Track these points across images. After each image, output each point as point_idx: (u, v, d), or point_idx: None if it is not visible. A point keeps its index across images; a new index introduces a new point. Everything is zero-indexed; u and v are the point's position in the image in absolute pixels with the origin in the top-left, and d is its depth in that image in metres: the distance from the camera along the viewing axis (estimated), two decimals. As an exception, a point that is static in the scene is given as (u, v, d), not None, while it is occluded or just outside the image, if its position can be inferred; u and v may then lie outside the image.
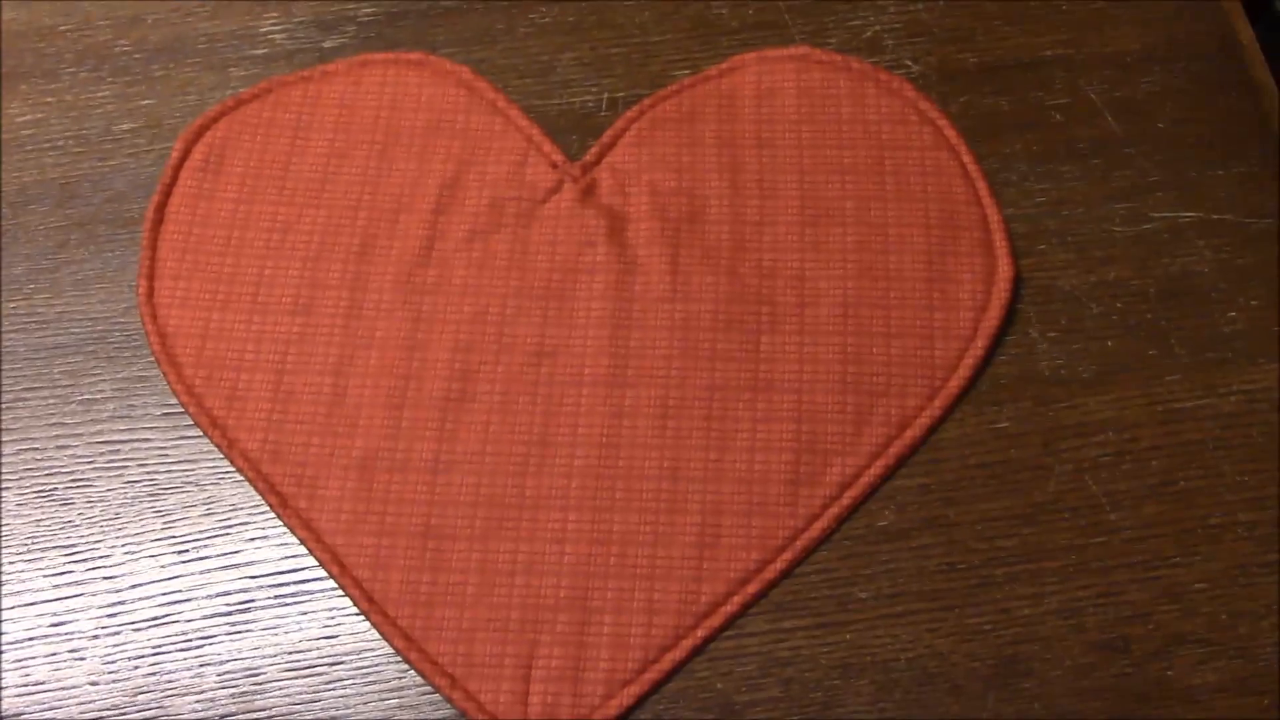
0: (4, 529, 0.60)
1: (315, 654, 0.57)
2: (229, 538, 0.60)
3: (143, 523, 0.60)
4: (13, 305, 0.66)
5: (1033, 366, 0.62)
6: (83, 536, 0.60)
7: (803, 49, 0.71)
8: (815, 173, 0.67)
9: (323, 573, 0.59)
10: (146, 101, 0.72)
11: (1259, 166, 0.67)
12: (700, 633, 0.57)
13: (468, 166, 0.68)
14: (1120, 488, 0.59)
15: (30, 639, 0.57)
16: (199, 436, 0.62)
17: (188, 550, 0.59)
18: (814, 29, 0.73)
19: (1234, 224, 0.65)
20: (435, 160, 0.69)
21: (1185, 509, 0.58)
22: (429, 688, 0.56)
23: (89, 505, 0.60)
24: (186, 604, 0.58)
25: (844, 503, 0.59)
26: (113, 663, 0.57)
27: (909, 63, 0.71)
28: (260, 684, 0.56)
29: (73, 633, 0.58)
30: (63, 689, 0.56)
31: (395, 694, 0.56)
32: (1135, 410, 0.61)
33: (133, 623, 0.58)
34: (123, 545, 0.59)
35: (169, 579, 0.59)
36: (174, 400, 0.63)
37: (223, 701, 0.56)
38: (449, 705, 0.56)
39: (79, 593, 0.58)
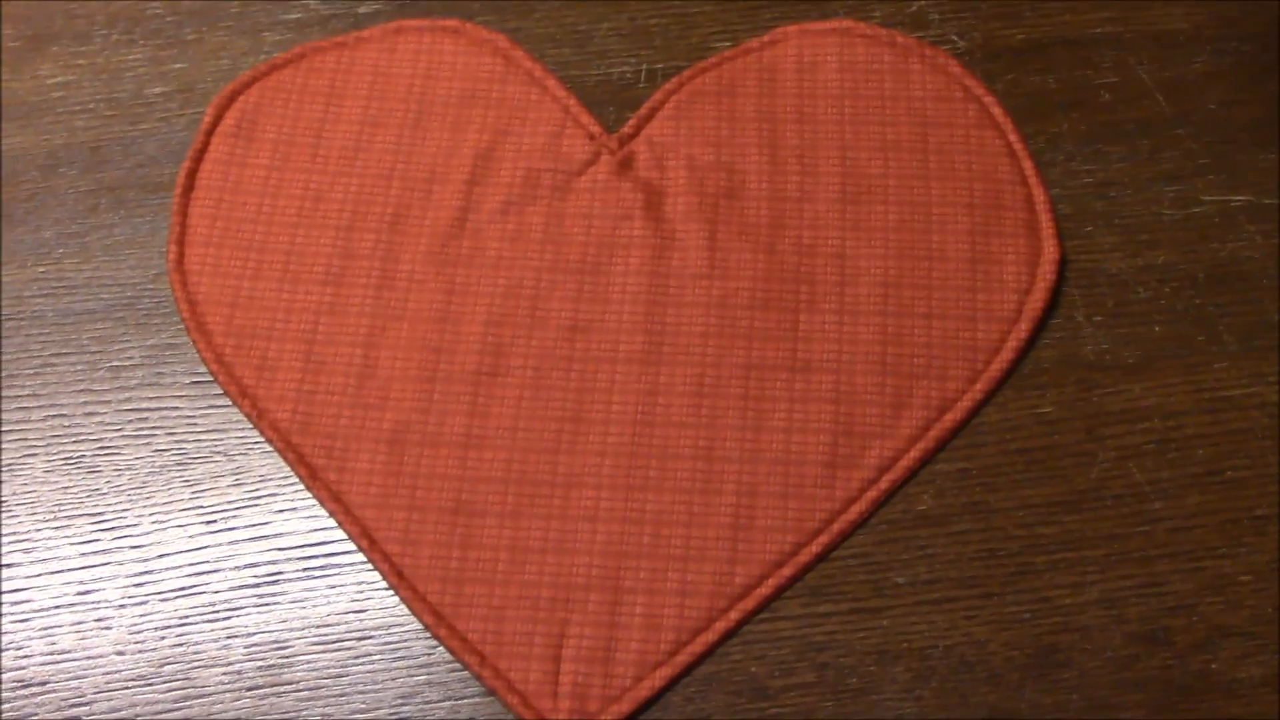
0: (32, 496, 0.59)
1: (343, 628, 0.56)
2: (258, 509, 0.59)
3: (170, 492, 0.59)
4: (41, 270, 0.65)
5: (1077, 351, 0.61)
6: (110, 505, 0.59)
7: (846, 22, 0.70)
8: (857, 149, 0.66)
9: (352, 546, 0.58)
10: (178, 65, 0.71)
11: (1312, 150, 0.65)
12: (734, 615, 0.56)
13: (503, 137, 0.67)
14: (1164, 476, 0.58)
15: (57, 607, 0.57)
16: (228, 406, 0.61)
17: (215, 521, 0.59)
18: (857, 2, 0.72)
19: (1286, 209, 0.64)
20: (470, 130, 0.67)
21: (1230, 499, 0.57)
22: (458, 664, 0.55)
23: (117, 474, 0.60)
24: (214, 575, 0.57)
25: (882, 486, 0.58)
26: (139, 632, 0.56)
27: (954, 38, 0.70)
28: (287, 657, 0.56)
29: (99, 602, 0.57)
30: (89, 658, 0.56)
31: (424, 670, 0.55)
32: (1181, 397, 0.59)
33: (160, 593, 0.57)
34: (150, 514, 0.59)
35: (196, 549, 0.58)
36: (203, 369, 0.62)
37: (249, 674, 0.55)
38: (478, 683, 0.55)
39: (106, 561, 0.58)
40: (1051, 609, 0.55)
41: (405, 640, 0.56)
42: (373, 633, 0.56)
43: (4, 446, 0.61)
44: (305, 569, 0.58)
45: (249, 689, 0.55)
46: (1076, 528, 0.57)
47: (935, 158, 0.66)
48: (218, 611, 0.57)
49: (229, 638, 0.56)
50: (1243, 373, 0.60)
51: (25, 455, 0.60)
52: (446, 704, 0.55)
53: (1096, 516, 0.57)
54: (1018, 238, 0.63)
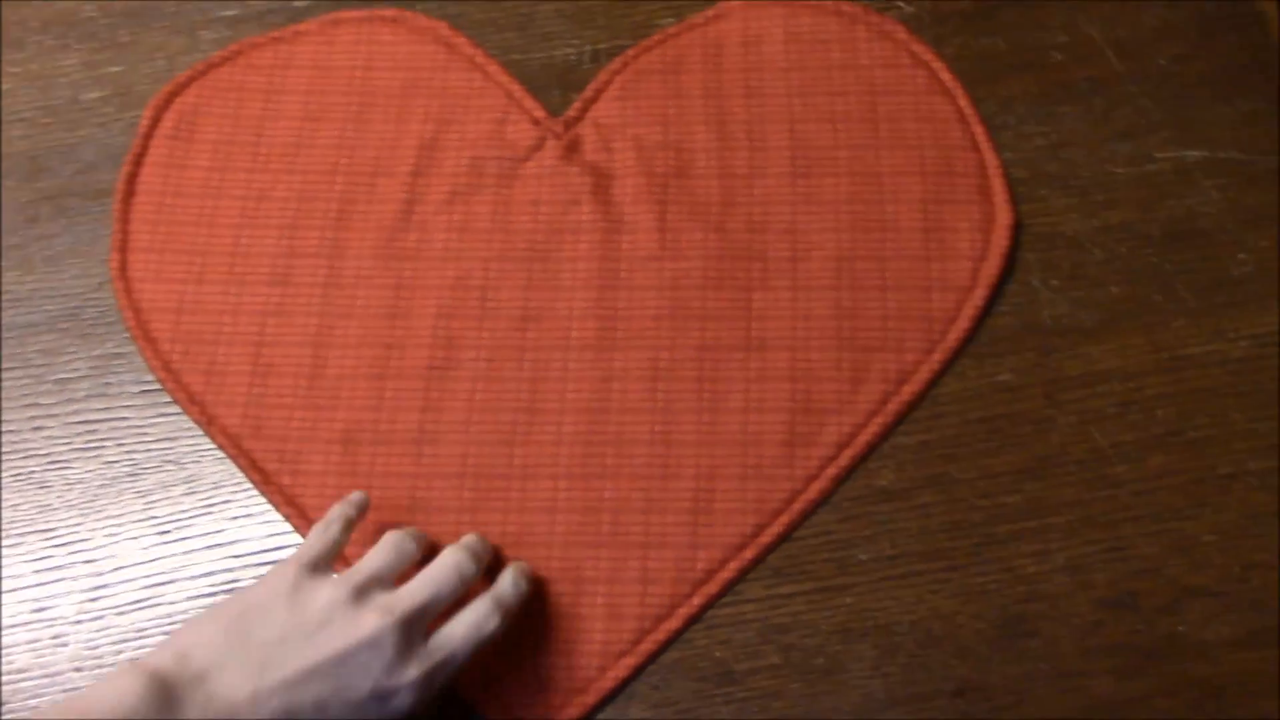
0: (-21, 515, 0.59)
1: (303, 633, 0.56)
2: (211, 517, 0.58)
3: (123, 504, 0.58)
4: (-16, 284, 0.64)
5: (1034, 316, 0.60)
6: (62, 520, 0.58)
7: (790, -7, 0.69)
8: (806, 122, 0.65)
9: (308, 550, 0.57)
10: (114, 68, 0.70)
11: (1265, 102, 0.64)
12: (696, 601, 0.55)
13: (447, 126, 0.66)
14: (1126, 439, 0.57)
15: (12, 626, 0.56)
16: (177, 414, 0.60)
17: (169, 531, 0.58)
18: (801, -28, 0.70)
19: (1241, 162, 0.63)
20: (413, 121, 0.66)
21: (1193, 459, 0.57)
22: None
23: (67, 488, 0.59)
24: (169, 586, 0.57)
25: (841, 463, 0.57)
26: (96, 648, 0.55)
27: (901, 4, 0.69)
28: (248, 665, 0.55)
29: (55, 618, 0.56)
30: (46, 675, 0.55)
31: (386, 672, 0.55)
32: (1140, 358, 0.59)
33: (115, 607, 0.56)
34: (103, 528, 0.58)
35: (151, 561, 0.57)
36: (151, 377, 0.61)
37: (210, 684, 0.55)
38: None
39: (60, 577, 0.57)
40: (1017, 579, 0.55)
41: (366, 642, 0.55)
42: (333, 636, 0.55)
43: (-48, 466, 0.60)
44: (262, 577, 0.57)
45: (210, 699, 0.54)
46: (1039, 495, 0.56)
47: (885, 126, 0.65)
48: (175, 623, 0.56)
49: (187, 649, 0.55)
50: (1202, 330, 0.59)
51: (-26, 473, 0.60)
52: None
53: (1059, 483, 0.56)
54: (970, 205, 0.63)
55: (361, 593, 0.48)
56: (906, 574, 0.55)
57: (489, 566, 0.54)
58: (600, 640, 0.55)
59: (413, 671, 0.47)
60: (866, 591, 0.55)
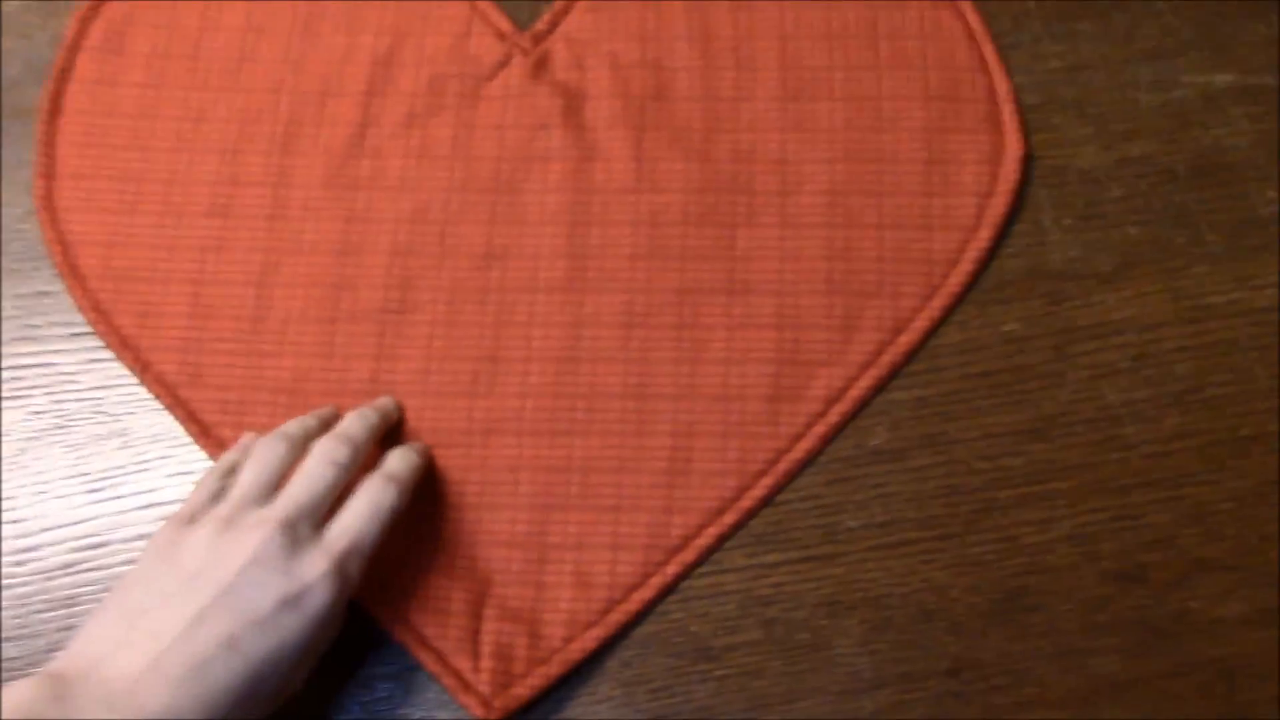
0: (-109, 473, 0.54)
1: (247, 601, 0.52)
2: (147, 473, 0.54)
3: (51, 459, 0.54)
4: (-102, 212, 0.59)
5: (1044, 259, 0.55)
6: (-15, 475, 0.54)
7: (783, -108, 0.62)
8: (798, 38, 0.59)
9: (252, 510, 0.53)
10: (38, -28, 0.64)
11: (1305, 20, 0.59)
12: (671, 569, 0.51)
13: (403, 39, 0.60)
14: (1140, 396, 0.53)
15: (-67, 591, 0.52)
16: (110, 359, 0.55)
17: (102, 489, 0.53)
18: None
19: (1275, 89, 0.57)
20: (366, 33, 0.61)
21: (1212, 419, 0.52)
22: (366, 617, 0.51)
23: (-10, 440, 0.55)
24: (102, 549, 0.52)
25: (831, 419, 0.53)
26: (22, 617, 0.51)
27: (905, -95, 0.62)
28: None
29: (-21, 583, 0.52)
30: (-30, 646, 0.51)
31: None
32: (1158, 307, 0.54)
33: (44, 571, 0.52)
34: (30, 485, 0.54)
35: (82, 521, 0.53)
36: (80, 319, 0.56)
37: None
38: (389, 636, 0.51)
39: (-16, 539, 0.53)
40: (1018, 549, 0.51)
41: (315, 611, 0.51)
42: (279, 604, 0.51)
43: None
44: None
45: (147, 671, 0.51)
46: (1044, 458, 0.52)
47: (885, 45, 0.59)
48: (108, 589, 0.52)
49: (122, 617, 0.51)
50: (1227, 276, 0.54)
51: (-111, 423, 0.55)
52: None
53: (1066, 444, 0.52)
54: (977, 134, 0.57)
55: (231, 519, 0.45)
56: (899, 543, 0.51)
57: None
58: (566, 610, 0.51)
59: (316, 566, 0.44)
60: (855, 562, 0.51)
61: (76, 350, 0.56)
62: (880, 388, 0.54)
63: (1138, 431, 0.52)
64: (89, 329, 0.56)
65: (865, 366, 0.54)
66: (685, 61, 0.59)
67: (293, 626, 0.43)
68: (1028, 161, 0.57)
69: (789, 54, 0.59)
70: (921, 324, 0.54)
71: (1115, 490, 0.51)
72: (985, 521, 0.51)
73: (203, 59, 0.60)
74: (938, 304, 0.54)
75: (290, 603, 0.43)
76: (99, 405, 0.55)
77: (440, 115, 0.59)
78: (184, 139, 0.59)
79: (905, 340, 0.54)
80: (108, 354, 0.55)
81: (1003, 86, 0.58)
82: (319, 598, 0.44)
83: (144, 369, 0.55)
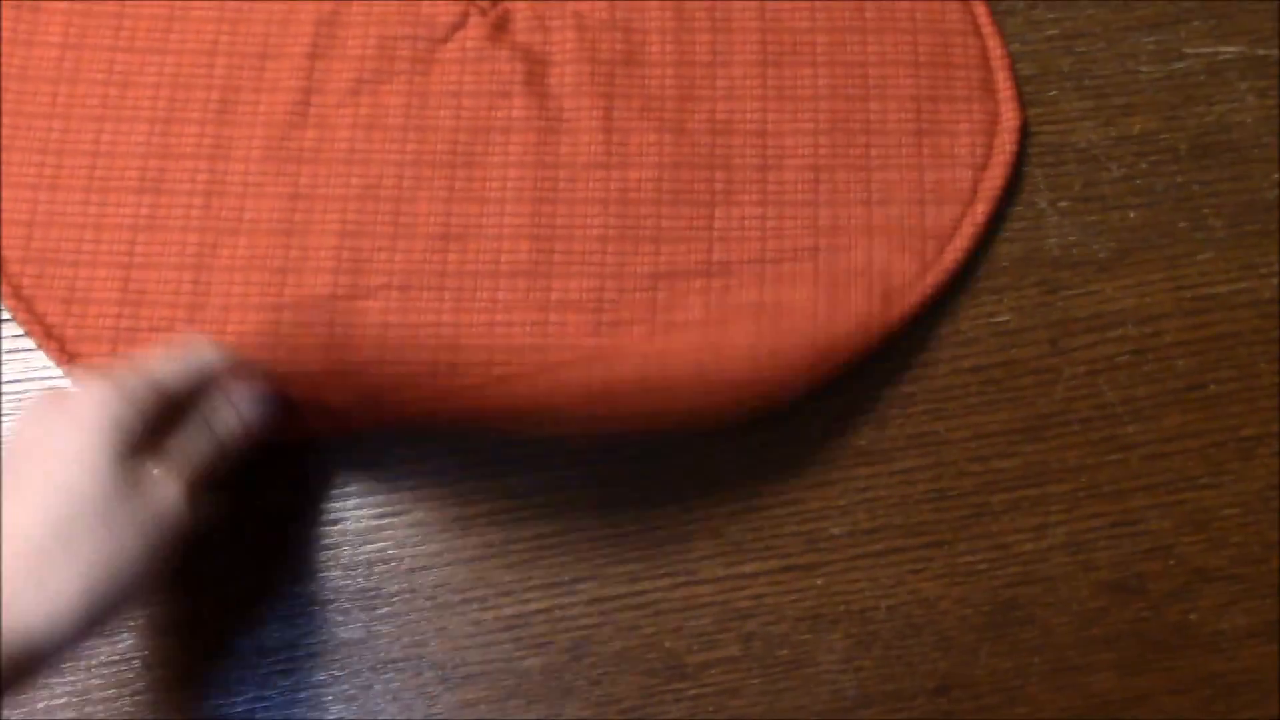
0: None
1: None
2: (78, 476, 0.50)
3: (-28, 462, 0.50)
4: None
5: (1039, 244, 0.52)
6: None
7: None
8: (779, -1, 0.55)
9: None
10: (-56, -88, 0.58)
11: (1317, -13, 0.56)
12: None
13: (350, -4, 0.56)
14: (1140, 393, 0.51)
15: None
16: (32, 349, 0.51)
17: (27, 496, 0.49)
18: None
19: (1283, 61, 0.54)
20: (310, -12, 0.56)
21: (1215, 418, 0.51)
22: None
23: (-97, 441, 0.50)
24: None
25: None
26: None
27: None
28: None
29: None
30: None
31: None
32: (1159, 297, 0.52)
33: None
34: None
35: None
36: (-1, 305, 0.52)
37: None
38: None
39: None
40: (1010, 558, 0.49)
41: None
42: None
43: None
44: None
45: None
46: (1039, 459, 0.50)
47: (872, 6, 0.56)
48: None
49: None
50: (1231, 264, 0.52)
51: None
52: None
53: (1062, 445, 0.50)
54: (971, 102, 0.54)
55: None
56: (885, 551, 0.49)
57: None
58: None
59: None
60: (839, 571, 0.49)
61: (-5, 341, 0.51)
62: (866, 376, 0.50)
63: (1137, 431, 0.50)
64: (8, 317, 0.51)
65: (852, 353, 0.50)
66: (657, 23, 0.55)
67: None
68: (1023, 134, 0.53)
69: (768, 15, 0.56)
70: (913, 301, 0.51)
71: (1113, 495, 0.49)
72: (976, 528, 0.49)
73: (128, 16, 0.55)
74: (930, 280, 0.51)
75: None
76: (21, 402, 0.51)
77: (391, 81, 0.54)
78: (109, 106, 0.54)
79: (896, 321, 0.50)
80: (29, 344, 0.51)
81: (997, 51, 0.55)
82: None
83: (71, 361, 0.51)
